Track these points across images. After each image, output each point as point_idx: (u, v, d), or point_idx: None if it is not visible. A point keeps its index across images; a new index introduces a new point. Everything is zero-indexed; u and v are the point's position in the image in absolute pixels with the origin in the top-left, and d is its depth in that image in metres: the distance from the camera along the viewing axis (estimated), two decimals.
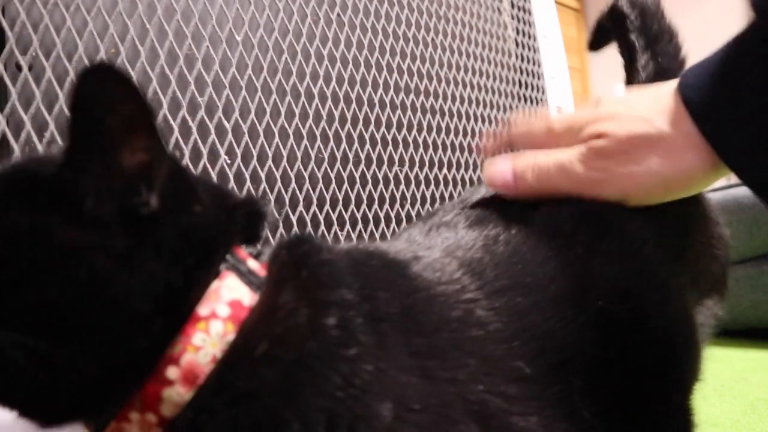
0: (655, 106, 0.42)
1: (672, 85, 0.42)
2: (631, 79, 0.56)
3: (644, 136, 0.41)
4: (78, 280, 0.28)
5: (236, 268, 0.32)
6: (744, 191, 1.45)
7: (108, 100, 0.29)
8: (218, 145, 0.70)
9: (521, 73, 1.21)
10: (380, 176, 0.88)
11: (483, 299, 0.37)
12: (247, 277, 0.32)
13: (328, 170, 0.81)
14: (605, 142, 0.42)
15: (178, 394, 0.29)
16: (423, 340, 0.33)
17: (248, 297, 0.31)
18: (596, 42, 0.65)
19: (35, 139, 0.58)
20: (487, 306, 0.37)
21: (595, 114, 0.44)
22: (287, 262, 0.33)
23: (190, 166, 0.67)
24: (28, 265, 0.28)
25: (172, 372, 0.29)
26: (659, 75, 0.53)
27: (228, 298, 0.31)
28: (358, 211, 0.84)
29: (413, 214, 0.90)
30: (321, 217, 0.79)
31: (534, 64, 1.24)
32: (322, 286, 0.32)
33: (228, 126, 0.72)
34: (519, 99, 1.18)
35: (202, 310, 0.30)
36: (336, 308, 0.31)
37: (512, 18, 1.23)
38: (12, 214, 0.29)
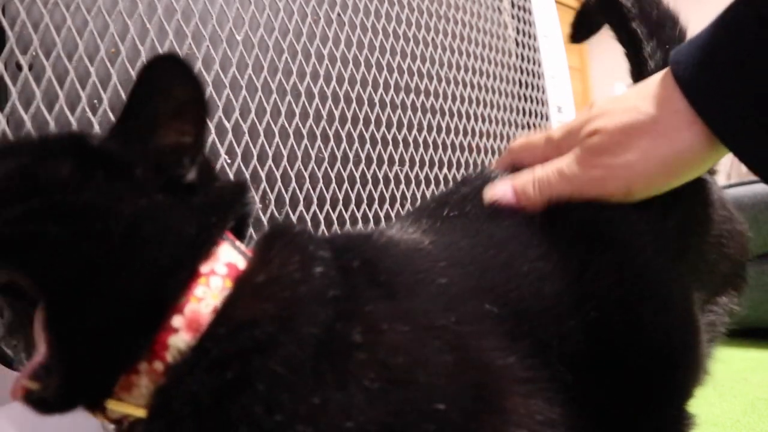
0: (643, 93, 0.42)
1: (660, 74, 0.42)
2: (639, 68, 0.55)
3: (635, 124, 0.41)
4: (121, 224, 0.32)
5: (229, 241, 0.37)
6: (744, 191, 1.45)
7: (164, 86, 0.34)
8: (218, 145, 0.70)
9: (521, 72, 1.21)
10: (380, 176, 0.88)
11: (451, 264, 0.38)
12: (238, 248, 0.37)
13: (329, 170, 0.81)
14: (598, 138, 0.42)
15: (182, 340, 0.32)
16: (385, 277, 0.36)
17: (242, 262, 0.36)
18: (578, 34, 0.63)
19: None
20: (456, 268, 0.38)
21: (587, 115, 0.44)
22: (270, 234, 0.37)
23: None
24: (78, 212, 0.32)
25: (177, 321, 0.32)
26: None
27: (225, 260, 0.35)
28: (358, 211, 0.84)
29: None
30: (321, 217, 0.79)
31: (534, 63, 1.24)
32: (307, 245, 0.36)
33: (228, 125, 0.72)
34: (519, 98, 1.18)
35: (204, 268, 0.34)
36: (320, 261, 0.35)
37: (512, 17, 1.23)
38: (65, 170, 0.33)
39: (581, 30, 0.63)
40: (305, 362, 0.31)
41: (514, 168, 0.49)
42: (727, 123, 0.38)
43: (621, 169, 0.41)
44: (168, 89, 0.34)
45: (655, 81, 0.42)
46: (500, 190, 0.45)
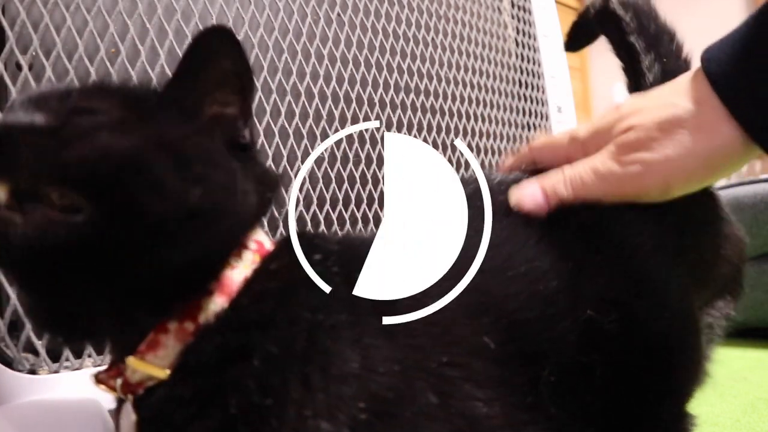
0: (678, 90, 0.41)
1: (691, 72, 0.41)
2: (636, 81, 0.55)
3: (672, 119, 0.40)
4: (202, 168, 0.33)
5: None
6: (744, 191, 1.45)
7: (212, 55, 0.35)
8: None
9: (521, 72, 1.21)
10: (380, 176, 0.88)
11: (448, 277, 0.38)
12: (263, 230, 0.39)
13: (329, 170, 0.81)
14: (634, 133, 0.41)
15: (215, 303, 0.34)
16: (386, 305, 0.35)
17: (268, 242, 0.38)
18: (574, 43, 0.62)
19: None
20: (453, 282, 0.38)
21: (618, 114, 0.43)
22: (287, 236, 0.39)
23: None
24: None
25: (212, 284, 0.34)
26: (667, 76, 0.52)
27: (254, 238, 0.37)
28: (358, 211, 0.84)
29: None
30: (321, 217, 0.79)
31: (534, 63, 1.24)
32: (315, 238, 0.39)
33: None
34: (519, 99, 1.18)
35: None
36: (320, 251, 0.37)
37: (512, 18, 1.23)
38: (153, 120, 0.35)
39: (578, 39, 0.62)
40: (298, 344, 0.32)
41: (532, 171, 0.47)
42: (761, 121, 0.38)
43: (659, 165, 0.40)
44: (214, 60, 0.35)
45: (687, 79, 0.41)
46: (528, 191, 0.43)
